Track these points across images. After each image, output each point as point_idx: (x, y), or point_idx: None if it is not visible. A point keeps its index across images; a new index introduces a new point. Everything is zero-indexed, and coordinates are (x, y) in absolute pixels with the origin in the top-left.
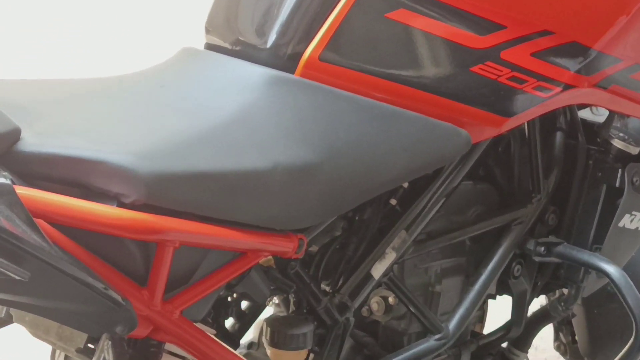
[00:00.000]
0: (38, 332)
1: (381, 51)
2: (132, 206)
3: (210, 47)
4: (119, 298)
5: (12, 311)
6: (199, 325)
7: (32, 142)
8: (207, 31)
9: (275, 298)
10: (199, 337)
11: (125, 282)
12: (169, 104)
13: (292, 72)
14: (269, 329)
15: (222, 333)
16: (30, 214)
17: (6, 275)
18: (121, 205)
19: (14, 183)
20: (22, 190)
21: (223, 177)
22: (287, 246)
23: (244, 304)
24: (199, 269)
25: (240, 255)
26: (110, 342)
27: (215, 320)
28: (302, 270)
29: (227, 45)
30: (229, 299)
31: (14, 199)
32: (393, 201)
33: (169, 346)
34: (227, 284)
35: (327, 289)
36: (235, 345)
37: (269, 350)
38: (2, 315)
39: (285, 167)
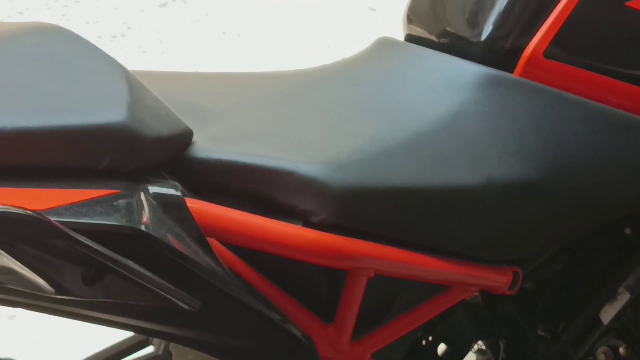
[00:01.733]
0: None
1: (620, 47)
2: (320, 226)
3: (411, 38)
4: (300, 336)
5: (173, 348)
6: None
7: (205, 147)
8: (409, 20)
9: (480, 343)
10: None
11: (309, 317)
12: (364, 106)
13: (511, 71)
14: None
15: None
16: (202, 232)
17: (174, 304)
18: (308, 224)
19: (184, 195)
20: (193, 204)
21: (428, 193)
22: (499, 280)
23: (441, 349)
24: (395, 304)
25: (443, 289)
26: None
27: None
28: (515, 311)
29: (432, 37)
30: (423, 342)
31: (185, 214)
32: (628, 230)
33: None
34: (425, 323)
35: (545, 334)
36: None
37: None
38: (160, 352)
39: (501, 185)
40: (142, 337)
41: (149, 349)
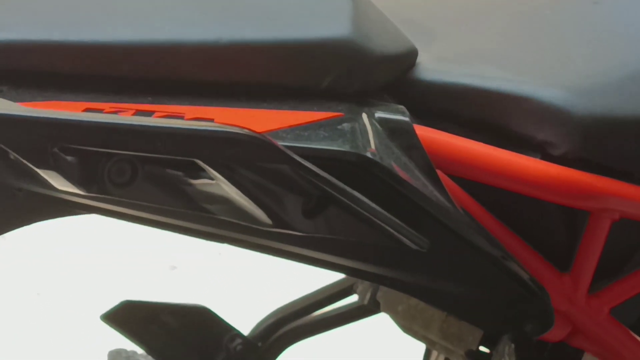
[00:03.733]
0: (414, 326)
1: None
2: (561, 159)
3: None
4: (533, 285)
5: (381, 297)
6: None
7: (432, 68)
8: None
9: None
10: (638, 351)
11: (542, 264)
12: (606, 26)
13: None
14: None
15: None
16: (432, 163)
17: (401, 243)
18: (547, 157)
19: (412, 121)
20: (422, 131)
21: None
22: None
23: None
24: (638, 252)
25: None
26: (513, 346)
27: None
28: None
29: None
30: None
31: (413, 141)
32: None
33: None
34: None
35: None
36: None
37: None
38: (366, 301)
39: None
40: (345, 285)
41: (353, 298)
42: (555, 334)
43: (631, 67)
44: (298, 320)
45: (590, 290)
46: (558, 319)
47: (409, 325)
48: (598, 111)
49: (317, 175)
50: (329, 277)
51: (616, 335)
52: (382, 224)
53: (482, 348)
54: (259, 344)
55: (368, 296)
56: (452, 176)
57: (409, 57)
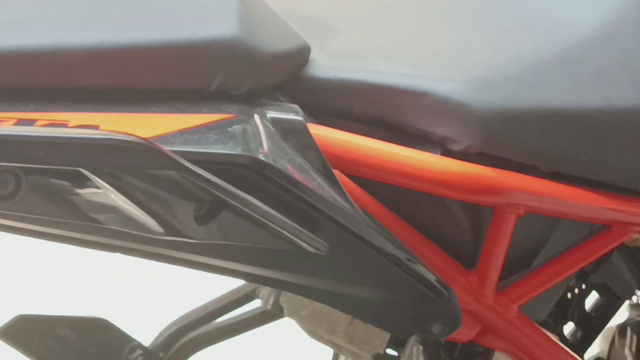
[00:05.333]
0: (319, 330)
1: None
2: (461, 155)
3: None
4: (438, 285)
5: (284, 301)
6: None
7: (325, 64)
8: None
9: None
10: (548, 347)
11: (447, 262)
12: (505, 15)
13: None
14: (635, 337)
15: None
16: (328, 163)
17: (298, 247)
18: (447, 153)
19: (306, 120)
20: (316, 130)
21: (586, 117)
22: None
23: (589, 303)
24: (545, 247)
25: (601, 229)
26: (421, 347)
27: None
28: None
29: None
30: (569, 295)
31: (307, 141)
32: None
33: (499, 356)
34: (579, 271)
35: None
36: None
37: None
38: (269, 306)
39: None
40: (247, 290)
41: (256, 303)
42: (464, 333)
43: (531, 58)
44: (200, 328)
45: (499, 287)
46: (466, 318)
47: (314, 329)
48: (498, 104)
49: (207, 180)
50: (233, 282)
51: (526, 332)
52: (278, 228)
53: (389, 351)
54: (161, 354)
55: (271, 301)
56: (350, 176)
57: (301, 55)
